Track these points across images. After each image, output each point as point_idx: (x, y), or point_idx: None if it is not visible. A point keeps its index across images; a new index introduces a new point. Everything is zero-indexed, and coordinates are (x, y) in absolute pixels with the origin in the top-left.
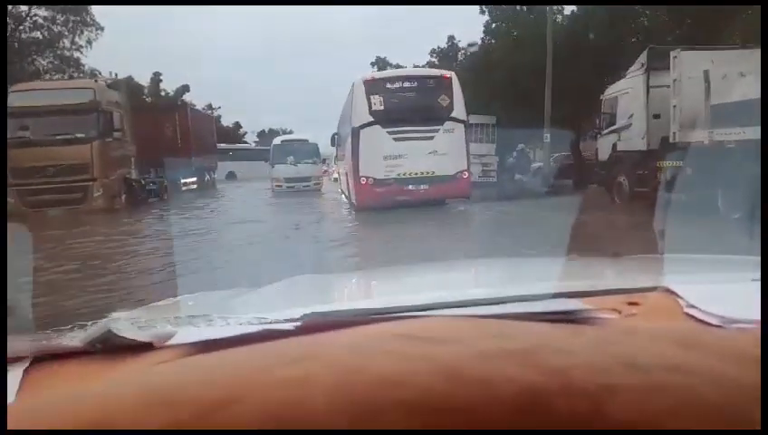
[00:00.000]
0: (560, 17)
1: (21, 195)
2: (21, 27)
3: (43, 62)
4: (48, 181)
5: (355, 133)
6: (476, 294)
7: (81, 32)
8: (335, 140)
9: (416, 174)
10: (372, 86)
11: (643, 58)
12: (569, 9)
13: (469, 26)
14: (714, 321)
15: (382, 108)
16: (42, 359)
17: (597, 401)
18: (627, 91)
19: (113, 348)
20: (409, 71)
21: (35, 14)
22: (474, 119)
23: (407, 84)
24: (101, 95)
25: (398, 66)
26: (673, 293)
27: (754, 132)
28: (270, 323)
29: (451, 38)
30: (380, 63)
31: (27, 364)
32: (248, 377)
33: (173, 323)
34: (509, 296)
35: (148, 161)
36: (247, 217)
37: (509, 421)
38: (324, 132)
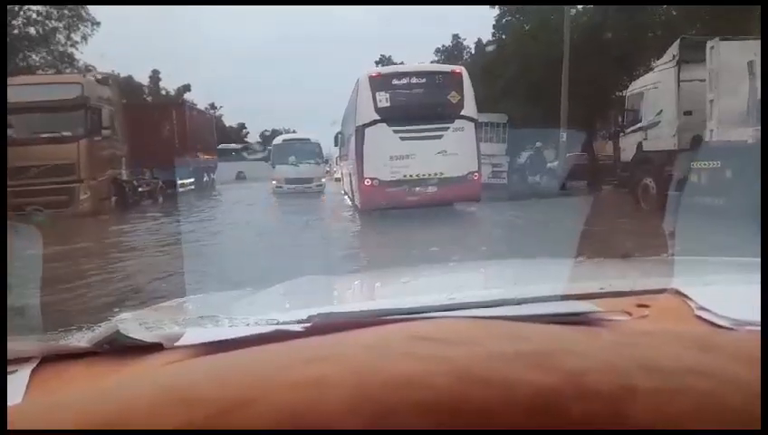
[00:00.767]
0: (573, 11)
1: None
2: (14, 22)
3: (35, 58)
4: (31, 183)
5: (359, 132)
6: (487, 295)
7: (77, 27)
8: (338, 140)
9: (423, 175)
10: (378, 82)
11: (675, 49)
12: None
13: (475, 25)
14: (725, 323)
15: (388, 105)
16: (49, 359)
17: (615, 403)
18: (655, 86)
19: (121, 348)
20: (417, 66)
21: (29, 9)
22: (483, 117)
23: (414, 80)
24: (90, 91)
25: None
26: (682, 295)
27: None
28: (279, 323)
29: (456, 36)
30: (385, 62)
31: (35, 365)
32: (263, 378)
33: (180, 324)
34: (519, 298)
35: (142, 161)
36: (241, 222)
37: (525, 424)
38: (327, 132)
